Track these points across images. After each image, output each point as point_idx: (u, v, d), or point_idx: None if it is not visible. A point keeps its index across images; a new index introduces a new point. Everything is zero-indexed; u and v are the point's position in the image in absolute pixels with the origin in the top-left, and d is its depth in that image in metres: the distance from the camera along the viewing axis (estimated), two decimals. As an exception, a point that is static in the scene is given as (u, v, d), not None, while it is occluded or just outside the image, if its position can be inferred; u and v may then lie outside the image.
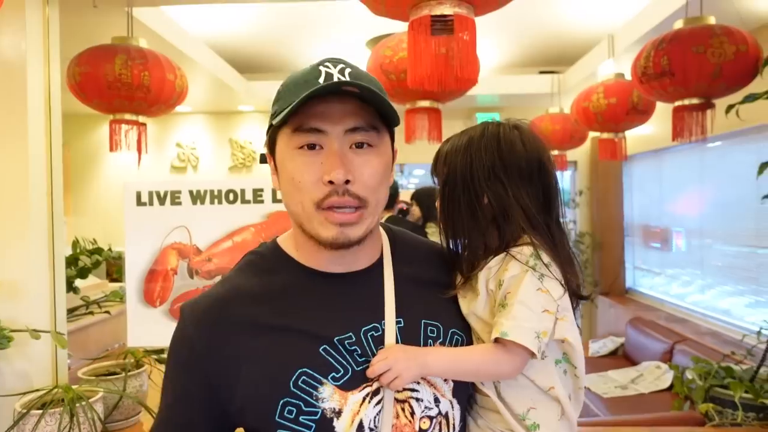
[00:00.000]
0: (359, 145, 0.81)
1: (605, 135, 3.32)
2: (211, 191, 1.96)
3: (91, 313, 2.48)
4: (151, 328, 1.96)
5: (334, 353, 0.81)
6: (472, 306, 0.90)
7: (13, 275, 1.87)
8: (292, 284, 0.86)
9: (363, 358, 0.82)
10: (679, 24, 2.31)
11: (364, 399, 0.80)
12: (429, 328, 0.88)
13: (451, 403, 0.86)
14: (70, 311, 2.31)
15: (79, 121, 5.51)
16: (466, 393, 0.90)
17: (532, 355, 0.84)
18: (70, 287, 2.35)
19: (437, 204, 1.00)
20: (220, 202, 1.95)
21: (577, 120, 3.39)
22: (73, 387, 1.71)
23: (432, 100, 2.41)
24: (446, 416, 0.85)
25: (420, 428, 0.82)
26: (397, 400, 0.82)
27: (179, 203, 1.96)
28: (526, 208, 0.91)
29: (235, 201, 1.95)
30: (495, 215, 0.92)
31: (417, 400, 0.83)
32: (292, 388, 0.79)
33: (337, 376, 0.80)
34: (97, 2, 2.56)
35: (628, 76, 2.78)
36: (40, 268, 1.91)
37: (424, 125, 2.43)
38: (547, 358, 0.89)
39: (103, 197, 5.89)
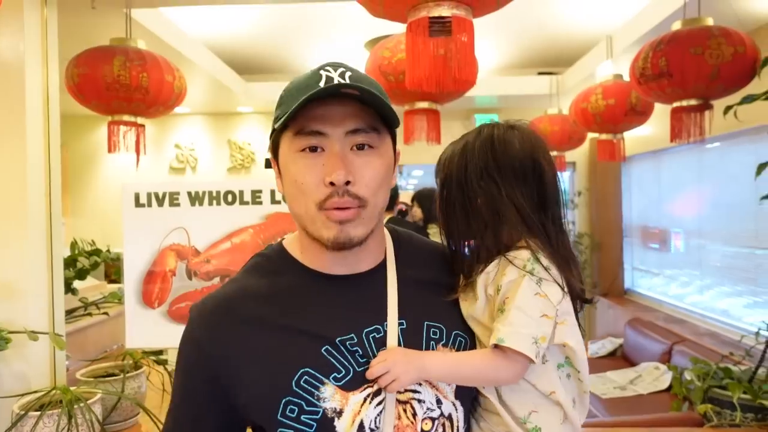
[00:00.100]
0: (360, 147, 0.82)
1: (604, 136, 3.33)
2: (210, 192, 1.95)
3: (90, 314, 2.48)
4: (150, 330, 1.96)
5: (335, 354, 0.82)
6: (471, 309, 0.90)
7: (12, 276, 1.86)
8: (297, 286, 0.88)
9: (364, 359, 0.83)
10: (677, 25, 2.32)
11: (365, 399, 0.81)
12: (432, 329, 0.88)
13: (454, 404, 0.86)
14: (69, 312, 2.31)
15: (78, 122, 5.51)
16: (470, 395, 0.90)
17: (531, 360, 0.83)
18: (69, 288, 2.35)
19: (437, 207, 1.00)
20: (218, 204, 1.95)
21: (575, 121, 3.40)
22: (72, 388, 1.70)
23: (430, 101, 2.41)
24: (449, 418, 0.85)
25: (422, 429, 0.83)
26: (399, 401, 0.82)
27: (178, 204, 1.96)
28: (520, 207, 0.90)
29: (233, 202, 1.95)
30: (489, 216, 0.92)
31: (419, 401, 0.83)
32: (294, 388, 0.80)
33: (339, 376, 0.81)
34: (95, 3, 2.56)
35: (627, 77, 2.78)
36: (39, 269, 1.91)
37: (423, 126, 2.43)
38: (549, 362, 0.88)
39: (101, 198, 5.89)
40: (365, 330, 0.85)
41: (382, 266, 0.91)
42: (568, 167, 5.90)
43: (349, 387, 0.81)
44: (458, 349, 0.89)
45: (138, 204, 1.96)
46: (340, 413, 0.80)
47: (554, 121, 4.07)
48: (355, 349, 0.83)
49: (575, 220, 5.94)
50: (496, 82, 5.16)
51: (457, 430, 0.87)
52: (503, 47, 4.81)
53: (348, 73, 0.82)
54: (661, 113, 2.91)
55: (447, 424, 0.85)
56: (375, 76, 2.27)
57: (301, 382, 0.80)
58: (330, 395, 0.80)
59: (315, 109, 0.80)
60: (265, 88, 5.21)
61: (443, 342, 0.88)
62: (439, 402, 0.85)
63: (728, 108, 2.24)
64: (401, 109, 2.47)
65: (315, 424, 0.79)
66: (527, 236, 0.90)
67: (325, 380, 0.80)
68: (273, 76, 5.34)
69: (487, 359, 0.85)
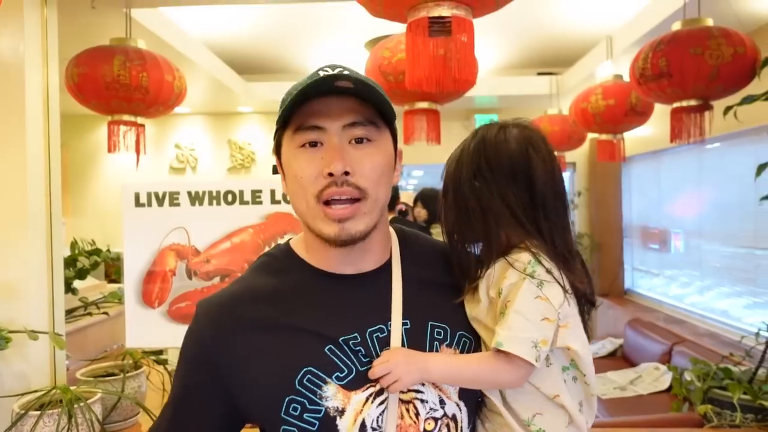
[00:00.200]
0: (359, 141, 0.83)
1: (604, 136, 3.33)
2: (210, 192, 1.95)
3: (90, 314, 2.48)
4: (150, 330, 1.96)
5: (338, 353, 0.83)
6: (475, 312, 0.90)
7: (12, 276, 1.86)
8: (302, 285, 0.88)
9: (367, 359, 0.83)
10: (677, 25, 2.32)
11: (367, 399, 0.82)
12: (436, 330, 0.88)
13: (458, 405, 0.86)
14: (69, 312, 2.31)
15: (78, 122, 5.51)
16: (475, 396, 0.90)
17: (531, 364, 0.82)
18: (69, 288, 2.36)
19: (440, 211, 0.99)
20: (218, 203, 1.95)
21: (575, 121, 3.40)
22: (72, 388, 1.70)
23: (430, 101, 2.41)
24: (453, 418, 0.86)
25: (425, 429, 0.83)
26: (402, 401, 0.83)
27: (178, 204, 1.96)
28: (513, 208, 0.89)
29: (233, 202, 1.95)
30: (486, 218, 0.91)
31: (422, 401, 0.84)
32: (297, 386, 0.81)
33: (341, 375, 0.82)
34: (95, 3, 2.56)
35: (627, 78, 2.78)
36: (39, 268, 1.91)
37: (423, 126, 2.43)
38: (553, 365, 0.87)
39: (101, 198, 5.89)
40: (369, 329, 0.85)
41: (388, 265, 0.92)
42: (568, 167, 5.90)
43: (351, 386, 0.82)
44: (463, 350, 0.89)
45: (138, 204, 1.96)
46: (342, 412, 0.80)
47: (554, 122, 4.08)
48: (358, 348, 0.83)
49: (575, 220, 5.94)
50: (496, 83, 5.16)
51: (462, 430, 0.87)
52: (503, 47, 4.81)
53: (345, 72, 0.83)
54: (661, 114, 2.91)
55: (451, 424, 0.85)
56: (375, 76, 2.27)
57: (304, 381, 0.81)
58: (332, 394, 0.81)
59: (313, 105, 0.82)
60: (266, 88, 5.22)
61: (447, 343, 0.88)
62: (442, 402, 0.85)
63: (728, 108, 2.24)
64: (401, 109, 2.46)
65: (317, 423, 0.80)
66: (525, 237, 0.89)
67: (328, 379, 0.81)
68: (273, 76, 5.34)
69: (489, 363, 0.85)
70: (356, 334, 0.84)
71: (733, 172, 3.80)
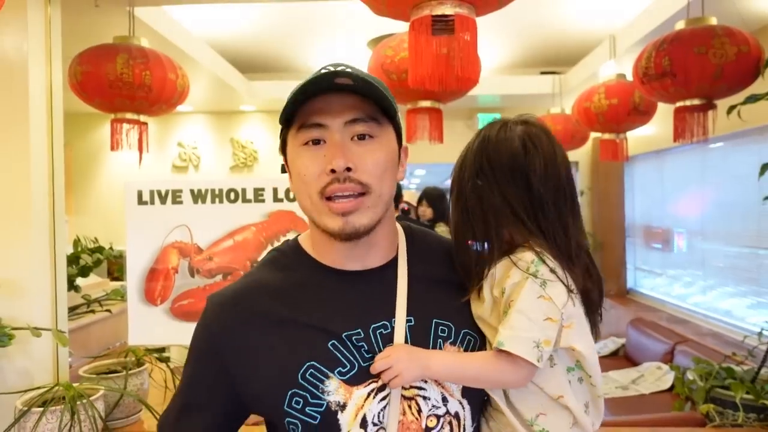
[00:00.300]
0: (361, 137, 0.84)
1: (606, 135, 3.32)
2: (212, 190, 1.96)
3: (92, 311, 2.49)
4: (152, 327, 1.96)
5: (341, 348, 0.84)
6: (480, 310, 0.90)
7: (15, 273, 1.87)
8: (308, 280, 0.90)
9: (370, 355, 0.84)
10: (680, 25, 2.31)
11: (369, 394, 0.82)
12: (440, 327, 0.88)
13: (461, 403, 0.86)
14: (72, 309, 2.32)
15: (81, 120, 5.53)
16: (478, 394, 0.90)
17: (533, 365, 0.82)
18: (72, 286, 2.36)
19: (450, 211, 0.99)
20: (221, 202, 1.96)
21: (578, 120, 3.39)
22: (74, 385, 1.71)
23: (433, 100, 2.41)
24: (456, 416, 0.86)
25: (427, 426, 0.83)
26: (404, 397, 0.83)
27: (180, 202, 1.96)
28: (514, 206, 0.88)
29: (236, 200, 1.95)
30: (488, 217, 0.90)
31: (424, 398, 0.84)
32: (299, 380, 0.82)
33: (344, 370, 0.83)
34: (98, 2, 2.56)
35: (630, 77, 2.77)
36: (42, 266, 1.92)
37: (426, 125, 2.43)
38: (557, 365, 0.86)
39: (104, 196, 5.90)
40: (373, 326, 0.85)
41: (394, 262, 0.92)
42: (571, 167, 5.89)
43: (353, 381, 0.82)
44: (467, 348, 0.88)
45: (141, 202, 1.97)
46: (343, 407, 0.81)
47: (557, 121, 4.07)
48: (361, 344, 0.84)
49: (579, 219, 5.94)
50: (498, 81, 5.15)
51: (465, 428, 0.87)
52: (506, 46, 4.80)
53: (346, 69, 0.83)
54: (664, 113, 2.90)
55: (454, 422, 0.85)
56: (378, 75, 2.27)
57: (307, 375, 0.82)
58: (334, 389, 0.82)
59: (315, 103, 0.83)
60: (268, 86, 5.22)
61: (451, 340, 0.88)
62: (445, 400, 0.85)
63: (732, 108, 2.23)
64: (404, 108, 2.46)
65: (319, 417, 0.81)
66: (529, 236, 0.89)
67: (330, 374, 0.82)
68: (276, 75, 5.34)
69: (491, 362, 0.84)
70: (360, 330, 0.85)
71: (736, 172, 3.79)
